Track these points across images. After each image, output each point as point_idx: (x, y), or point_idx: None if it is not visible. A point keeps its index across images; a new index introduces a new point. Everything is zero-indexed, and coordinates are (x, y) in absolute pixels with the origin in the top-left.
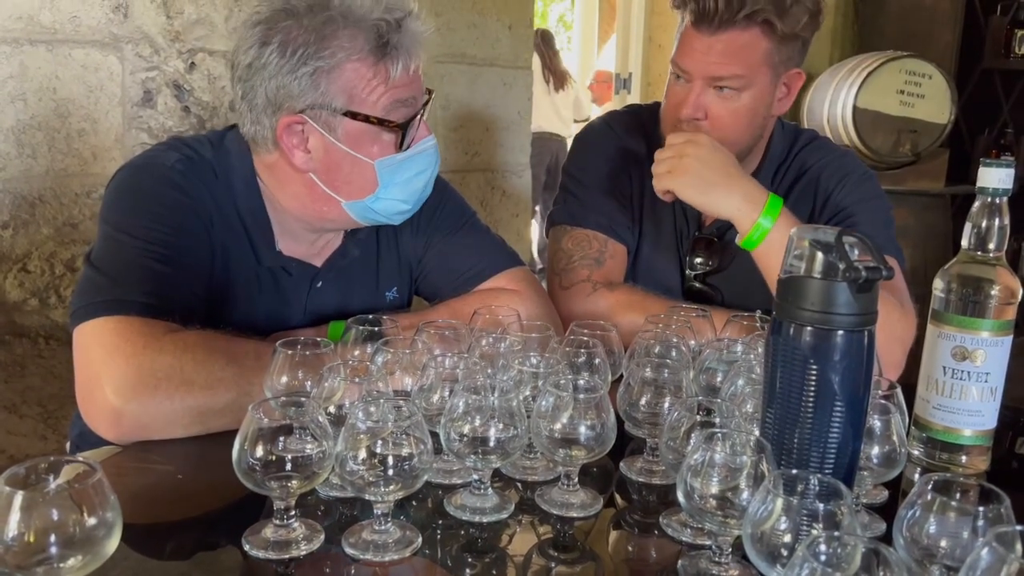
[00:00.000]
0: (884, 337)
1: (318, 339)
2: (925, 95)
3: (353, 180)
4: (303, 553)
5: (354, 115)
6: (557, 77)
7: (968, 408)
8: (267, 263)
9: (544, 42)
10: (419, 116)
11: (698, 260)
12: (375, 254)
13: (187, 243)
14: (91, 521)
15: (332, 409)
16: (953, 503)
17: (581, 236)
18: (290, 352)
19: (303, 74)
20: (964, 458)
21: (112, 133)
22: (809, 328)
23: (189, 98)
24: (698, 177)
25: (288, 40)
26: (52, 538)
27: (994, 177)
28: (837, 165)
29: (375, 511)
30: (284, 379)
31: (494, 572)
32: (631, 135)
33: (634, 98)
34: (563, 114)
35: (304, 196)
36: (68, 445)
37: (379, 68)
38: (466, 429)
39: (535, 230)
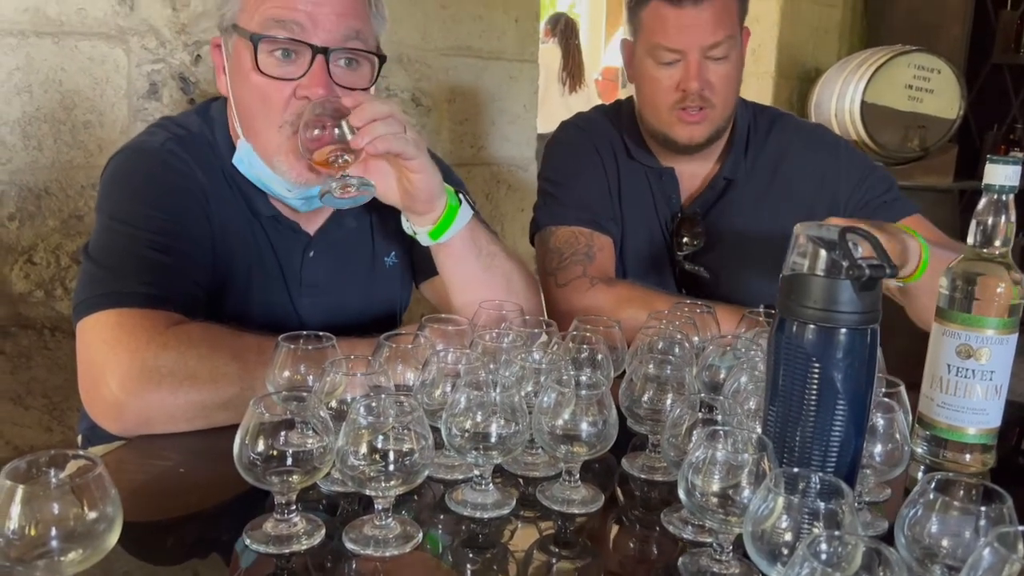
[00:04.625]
0: None
1: (320, 333)
2: (934, 90)
3: (235, 111)
4: (303, 547)
5: (237, 29)
6: (575, 78)
7: (972, 406)
8: (264, 212)
9: (568, 31)
10: (312, 59)
11: (684, 240)
12: (369, 220)
13: (186, 228)
14: (92, 515)
15: (334, 404)
16: (955, 503)
17: (567, 234)
18: (292, 347)
19: None
20: (968, 457)
21: (118, 125)
22: (812, 326)
23: (195, 90)
24: None
25: None
26: (53, 532)
27: (1000, 174)
28: (821, 143)
29: (376, 506)
30: (286, 373)
31: (495, 568)
32: (601, 130)
33: None
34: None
35: (233, 131)
36: (79, 439)
37: None
38: (468, 425)
39: None
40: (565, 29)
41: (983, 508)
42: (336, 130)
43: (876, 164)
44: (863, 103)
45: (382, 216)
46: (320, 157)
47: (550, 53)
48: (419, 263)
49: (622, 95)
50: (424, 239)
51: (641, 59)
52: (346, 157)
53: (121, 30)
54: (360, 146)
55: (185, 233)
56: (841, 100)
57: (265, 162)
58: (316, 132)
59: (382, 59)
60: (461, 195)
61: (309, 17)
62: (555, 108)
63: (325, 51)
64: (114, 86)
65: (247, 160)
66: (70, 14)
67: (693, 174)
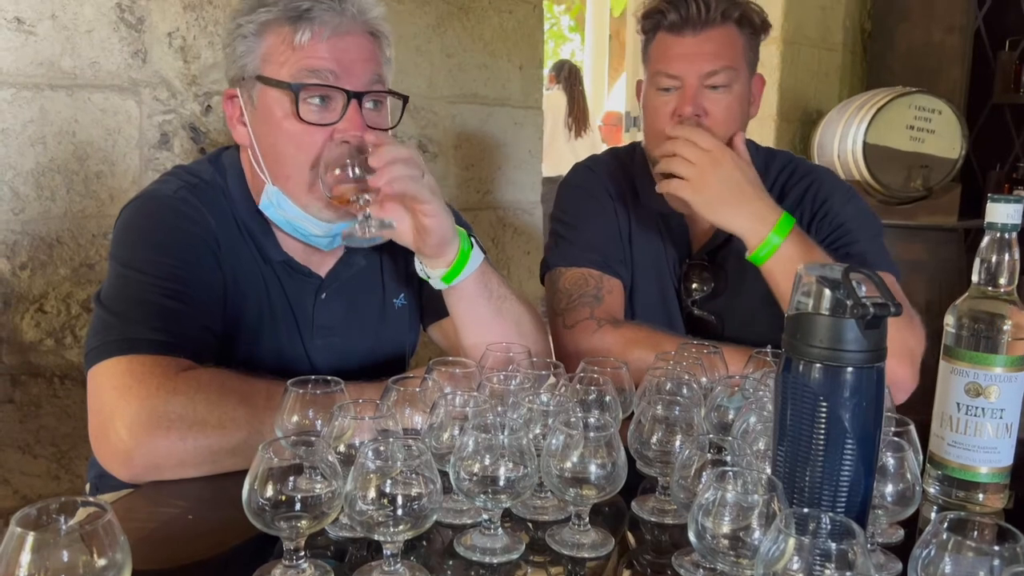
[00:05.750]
0: (895, 350)
1: (328, 378)
2: (935, 130)
3: (262, 159)
4: None
5: (265, 80)
6: (580, 123)
7: (983, 445)
8: (275, 257)
9: (572, 78)
10: (346, 103)
11: (694, 286)
12: (379, 261)
13: (197, 274)
14: (101, 562)
15: (342, 448)
16: (968, 542)
17: (577, 275)
18: (301, 391)
19: (236, 40)
20: (981, 496)
21: (129, 175)
22: (818, 365)
23: (205, 140)
24: (715, 195)
25: (236, 11)
26: None
27: (1002, 212)
28: (821, 183)
29: (384, 551)
30: (295, 418)
31: None
32: (612, 174)
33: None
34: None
35: (251, 177)
36: (87, 487)
37: (290, 34)
38: (476, 468)
39: None
40: (569, 76)
41: (997, 548)
42: (356, 169)
43: (873, 216)
44: (865, 144)
45: (392, 257)
46: (339, 193)
47: (556, 99)
48: (428, 305)
49: (625, 139)
50: (437, 283)
51: (647, 89)
52: (366, 196)
53: (133, 82)
54: (378, 185)
55: (196, 279)
56: (843, 142)
57: (297, 204)
58: (337, 171)
59: (405, 99)
60: (473, 239)
61: (339, 64)
62: (562, 153)
63: (359, 96)
64: (126, 136)
65: (276, 203)
66: (84, 67)
67: (703, 219)
